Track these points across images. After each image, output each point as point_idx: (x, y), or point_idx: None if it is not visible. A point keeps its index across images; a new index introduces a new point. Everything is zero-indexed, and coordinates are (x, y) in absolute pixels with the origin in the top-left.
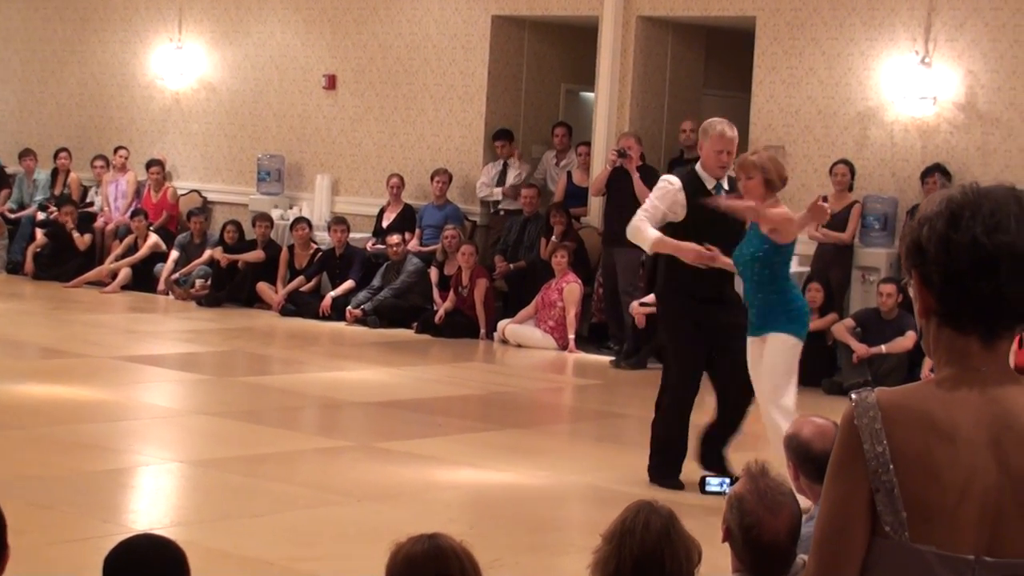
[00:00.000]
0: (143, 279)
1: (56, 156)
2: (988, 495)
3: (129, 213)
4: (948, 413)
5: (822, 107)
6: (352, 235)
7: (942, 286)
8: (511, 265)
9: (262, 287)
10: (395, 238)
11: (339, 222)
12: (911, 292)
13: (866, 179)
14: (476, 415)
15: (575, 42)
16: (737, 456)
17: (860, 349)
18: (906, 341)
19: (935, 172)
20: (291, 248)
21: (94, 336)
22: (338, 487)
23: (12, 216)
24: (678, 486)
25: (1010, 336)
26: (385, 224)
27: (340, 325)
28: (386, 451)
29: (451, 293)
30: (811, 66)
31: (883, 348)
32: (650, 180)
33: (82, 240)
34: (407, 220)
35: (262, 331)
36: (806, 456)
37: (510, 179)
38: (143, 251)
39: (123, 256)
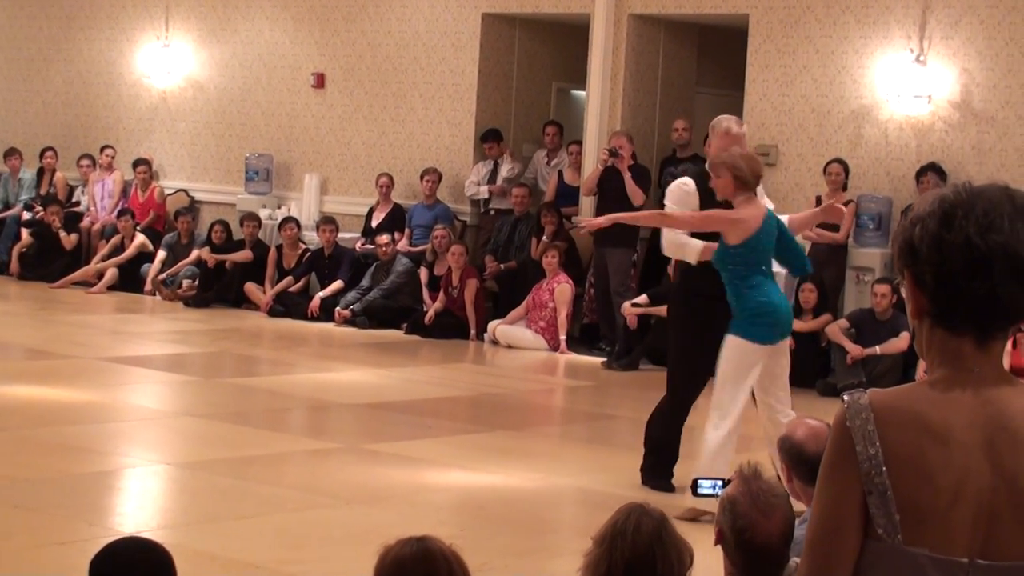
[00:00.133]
0: (130, 279)
1: (42, 155)
2: (982, 497)
3: (116, 213)
4: (941, 414)
5: (816, 105)
6: (341, 235)
7: (935, 286)
8: (501, 265)
9: (250, 287)
10: (384, 238)
11: (328, 222)
12: (904, 293)
13: (860, 178)
14: (466, 417)
15: (566, 40)
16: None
17: (854, 350)
18: (900, 342)
19: (930, 171)
20: (279, 248)
21: (80, 337)
22: (326, 489)
23: None
24: (670, 488)
25: (1004, 337)
26: (374, 224)
27: (329, 326)
28: (375, 453)
29: (441, 293)
30: (805, 64)
31: (877, 349)
32: (642, 179)
33: (68, 239)
34: (396, 220)
35: (250, 332)
36: (799, 458)
37: (503, 173)
38: (130, 251)
39: (109, 256)
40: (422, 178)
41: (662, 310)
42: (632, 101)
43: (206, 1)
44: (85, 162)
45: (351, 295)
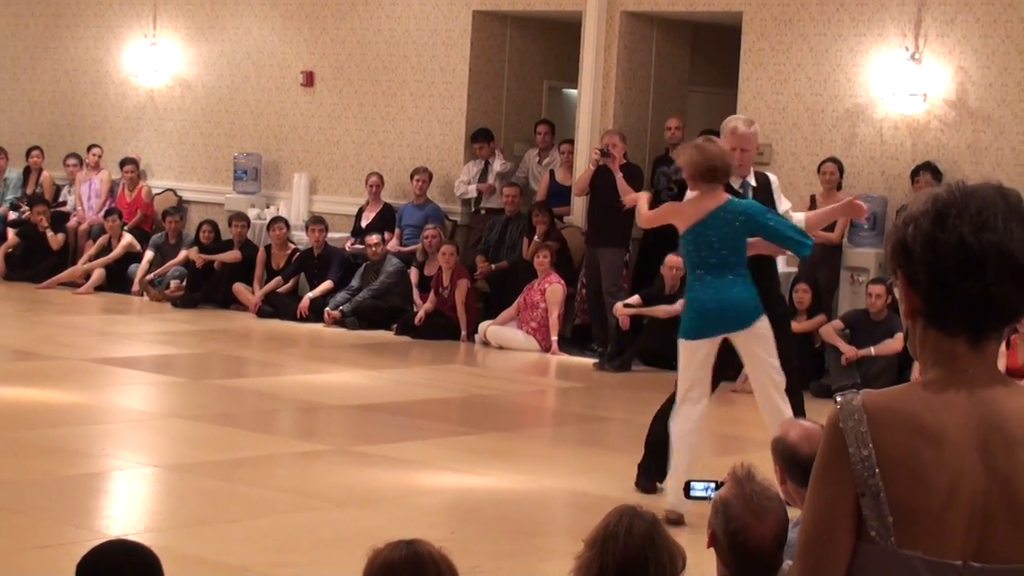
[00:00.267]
0: (117, 280)
1: (28, 154)
2: (976, 499)
3: (103, 212)
4: (935, 415)
5: (810, 104)
6: (330, 235)
7: (928, 286)
8: (493, 265)
9: (239, 288)
10: (374, 238)
11: (317, 222)
12: (897, 293)
13: (855, 177)
14: (456, 418)
15: (558, 38)
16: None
17: (849, 351)
18: (895, 343)
19: (925, 170)
20: (268, 248)
21: (67, 338)
22: (316, 492)
23: None
24: (651, 490)
25: (997, 337)
26: (364, 224)
27: (318, 327)
28: (365, 455)
29: (431, 294)
30: (799, 62)
31: (872, 350)
32: (634, 178)
33: (55, 239)
34: (386, 220)
35: (239, 333)
36: (792, 460)
37: (496, 168)
38: (117, 251)
39: (97, 256)
40: (412, 177)
41: (655, 311)
42: (624, 100)
43: None
44: (72, 161)
45: (340, 295)
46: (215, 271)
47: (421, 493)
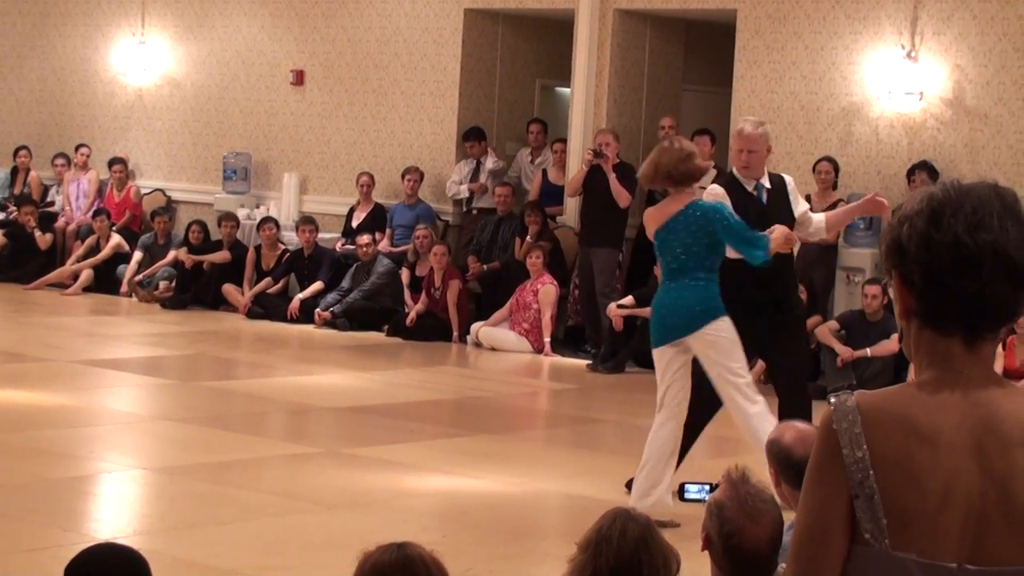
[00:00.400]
0: (105, 281)
1: (15, 154)
2: (971, 501)
3: (91, 213)
4: (930, 416)
5: (805, 103)
6: (321, 235)
7: (923, 286)
8: (485, 266)
9: (228, 289)
10: (365, 238)
11: (307, 222)
12: (891, 293)
13: (850, 177)
14: (448, 420)
15: (550, 36)
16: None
17: (844, 352)
18: (892, 344)
19: (921, 169)
20: (258, 249)
21: (55, 339)
22: (306, 494)
23: None
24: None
25: (993, 337)
26: (355, 224)
27: (309, 328)
28: (355, 457)
29: (423, 295)
30: (794, 60)
31: (868, 351)
32: (627, 178)
33: (43, 239)
34: (377, 220)
35: (228, 334)
36: (787, 462)
37: (488, 165)
38: (105, 252)
39: (85, 257)
40: (403, 177)
41: (648, 311)
42: (618, 98)
43: None
44: (60, 161)
45: (331, 296)
46: (204, 272)
47: (412, 496)
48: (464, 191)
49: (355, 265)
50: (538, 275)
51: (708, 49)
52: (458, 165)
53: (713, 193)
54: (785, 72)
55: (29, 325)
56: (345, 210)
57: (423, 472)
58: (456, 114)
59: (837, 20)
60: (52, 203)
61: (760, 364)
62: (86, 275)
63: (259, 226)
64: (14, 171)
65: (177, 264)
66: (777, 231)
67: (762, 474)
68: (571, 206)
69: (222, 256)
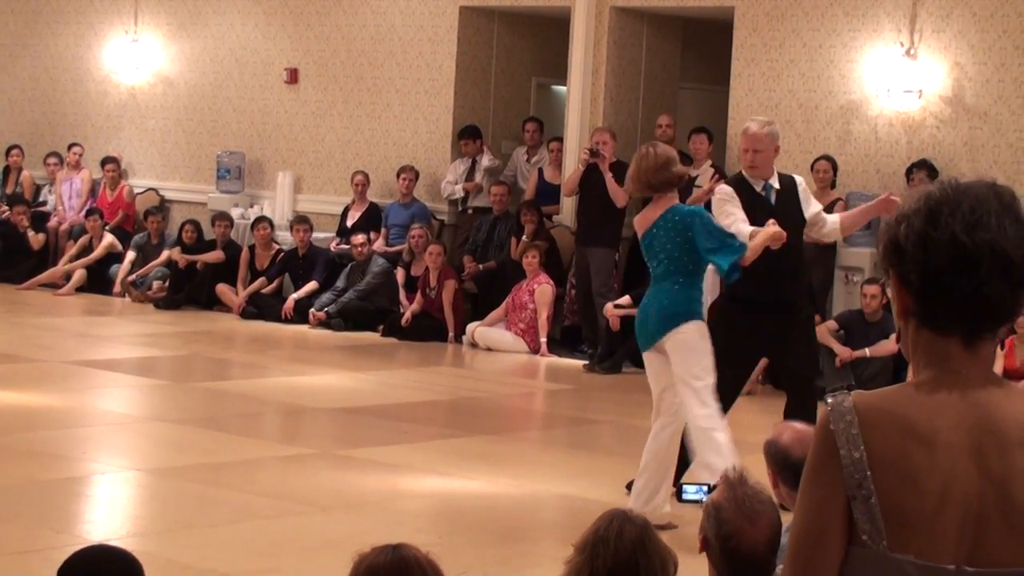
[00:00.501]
0: (98, 281)
1: (8, 153)
2: (969, 502)
3: (84, 212)
4: (927, 417)
5: (803, 101)
6: (315, 235)
7: (921, 286)
8: (480, 265)
9: (222, 289)
10: (360, 238)
11: (302, 221)
12: (889, 292)
13: (849, 175)
14: (444, 421)
15: (546, 34)
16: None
17: (843, 352)
18: (891, 344)
19: (921, 168)
20: (252, 248)
21: (47, 340)
22: (300, 496)
23: None
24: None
25: (992, 337)
26: (349, 223)
27: (303, 328)
28: (350, 459)
29: (418, 295)
30: (792, 58)
31: (867, 351)
32: (624, 176)
33: (36, 239)
34: (372, 219)
35: (222, 334)
36: (785, 463)
37: (484, 163)
38: (98, 252)
39: (78, 257)
40: (398, 176)
41: None
42: (614, 97)
43: None
44: (52, 160)
45: (326, 296)
46: (198, 272)
47: (407, 497)
48: (459, 191)
49: (350, 265)
50: (534, 275)
51: (705, 47)
52: (453, 164)
53: (722, 192)
54: (783, 70)
55: (21, 325)
56: (340, 209)
57: (418, 473)
58: (451, 113)
59: (835, 17)
60: (44, 203)
61: (761, 363)
62: (79, 275)
63: (253, 225)
64: (6, 170)
65: (171, 264)
66: (767, 228)
67: (761, 475)
68: (567, 205)
69: (216, 256)
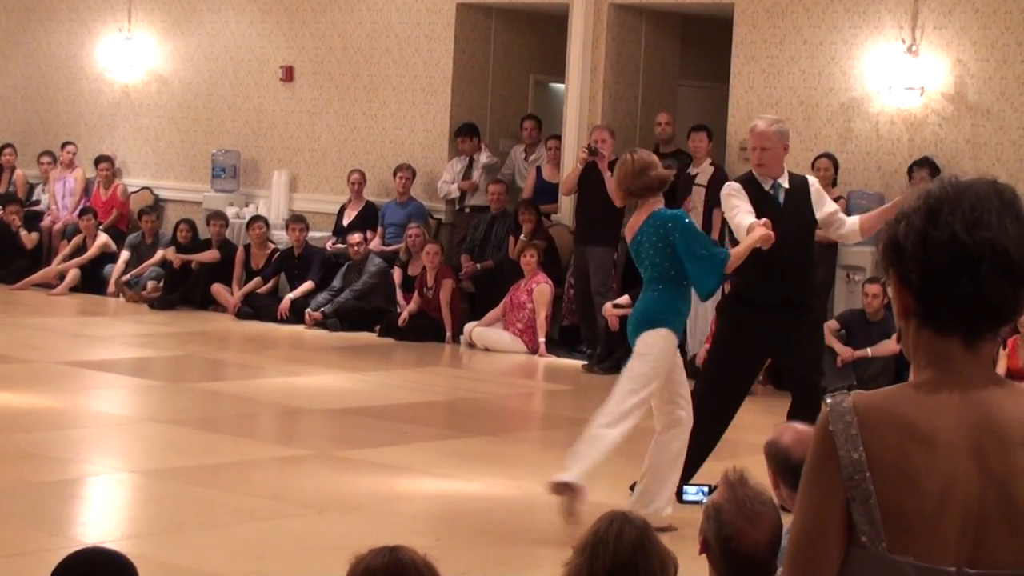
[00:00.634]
0: (92, 281)
1: (0, 152)
2: (970, 503)
3: (77, 212)
4: (927, 418)
5: (804, 98)
6: (311, 234)
7: (921, 285)
8: (478, 265)
9: (217, 289)
10: (356, 237)
11: (297, 220)
12: (889, 292)
13: (850, 174)
14: (442, 422)
15: (544, 30)
16: (719, 465)
17: (844, 352)
18: (892, 344)
19: (922, 166)
20: (247, 248)
21: (41, 340)
22: (297, 498)
23: None
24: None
25: (993, 337)
26: (346, 222)
27: (299, 328)
28: (347, 460)
29: (415, 294)
30: (792, 55)
31: (868, 351)
32: None
33: (29, 239)
34: (369, 218)
35: (217, 335)
36: (785, 464)
37: (483, 160)
38: (92, 251)
39: (71, 257)
40: (395, 175)
41: None
42: (613, 94)
43: None
44: (45, 159)
45: (322, 296)
46: (193, 271)
47: (405, 499)
48: (455, 190)
49: (346, 264)
50: (533, 274)
51: (705, 43)
52: (450, 162)
53: (729, 188)
54: (783, 67)
55: (14, 326)
56: (336, 208)
57: (416, 475)
58: (448, 111)
59: (836, 14)
60: (38, 202)
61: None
62: (72, 275)
63: (248, 225)
64: None
65: (165, 264)
66: (756, 230)
67: (762, 476)
68: (566, 204)
69: (211, 255)
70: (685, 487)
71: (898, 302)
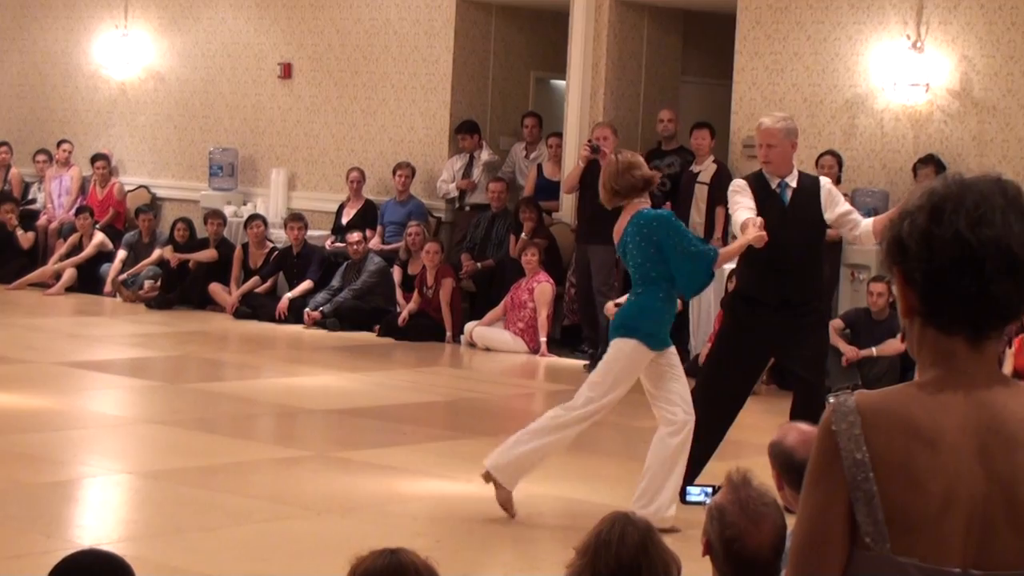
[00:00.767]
0: (89, 280)
1: None
2: (975, 503)
3: (73, 210)
4: (932, 417)
5: (808, 95)
6: (310, 233)
7: (924, 284)
8: (478, 264)
9: (215, 288)
10: (355, 236)
11: (296, 219)
12: (894, 290)
13: (855, 171)
14: (442, 423)
15: (545, 27)
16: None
17: (849, 351)
18: (898, 343)
19: (928, 163)
20: (245, 247)
21: (37, 340)
22: (295, 499)
23: None
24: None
25: (998, 336)
26: (345, 221)
27: (298, 328)
28: (346, 461)
29: (415, 294)
30: (796, 51)
31: (874, 351)
32: None
33: (25, 238)
34: (368, 217)
35: (215, 335)
36: (789, 464)
37: (483, 157)
38: (89, 251)
39: (67, 256)
40: (394, 173)
41: None
42: (615, 91)
43: None
44: (41, 157)
45: (321, 296)
46: (190, 271)
47: (405, 500)
48: (453, 190)
49: (345, 263)
50: (533, 273)
51: (707, 40)
52: (450, 160)
53: (735, 184)
54: (787, 63)
55: (10, 326)
56: (335, 207)
57: (416, 476)
58: (448, 108)
59: (840, 9)
60: (33, 201)
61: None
62: (69, 274)
63: (246, 223)
64: None
65: (162, 263)
66: (750, 230)
67: (765, 477)
68: (567, 202)
69: (208, 255)
70: (689, 488)
71: (902, 301)
